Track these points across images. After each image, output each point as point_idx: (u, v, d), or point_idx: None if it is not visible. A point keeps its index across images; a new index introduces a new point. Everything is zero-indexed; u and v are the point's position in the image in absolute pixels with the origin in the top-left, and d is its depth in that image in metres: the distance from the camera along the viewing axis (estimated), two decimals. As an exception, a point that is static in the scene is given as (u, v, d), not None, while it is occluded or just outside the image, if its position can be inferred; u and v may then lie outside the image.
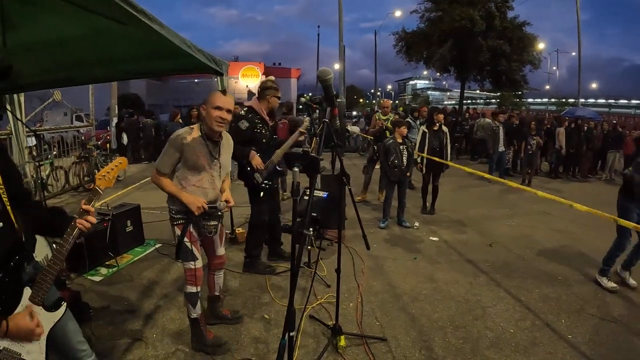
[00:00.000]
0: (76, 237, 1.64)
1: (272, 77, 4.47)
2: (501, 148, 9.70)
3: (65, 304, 1.72)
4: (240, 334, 3.14)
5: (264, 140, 3.98)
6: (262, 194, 4.03)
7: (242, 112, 4.02)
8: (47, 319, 1.61)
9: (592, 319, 3.47)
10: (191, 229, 2.73)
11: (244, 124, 3.88)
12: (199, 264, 2.77)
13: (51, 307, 1.65)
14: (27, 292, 1.55)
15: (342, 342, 2.93)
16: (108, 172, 1.82)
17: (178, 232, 2.73)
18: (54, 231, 1.76)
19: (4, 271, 1.50)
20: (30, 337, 1.52)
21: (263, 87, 4.11)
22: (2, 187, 1.54)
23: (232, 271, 4.26)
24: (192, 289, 2.78)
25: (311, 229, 1.69)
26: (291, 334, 1.79)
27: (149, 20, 2.89)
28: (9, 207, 1.54)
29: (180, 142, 2.65)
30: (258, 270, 4.24)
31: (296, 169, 1.86)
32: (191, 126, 2.78)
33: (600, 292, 3.97)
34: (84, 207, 1.65)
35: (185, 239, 2.69)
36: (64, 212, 1.80)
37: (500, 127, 9.71)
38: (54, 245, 2.69)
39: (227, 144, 2.90)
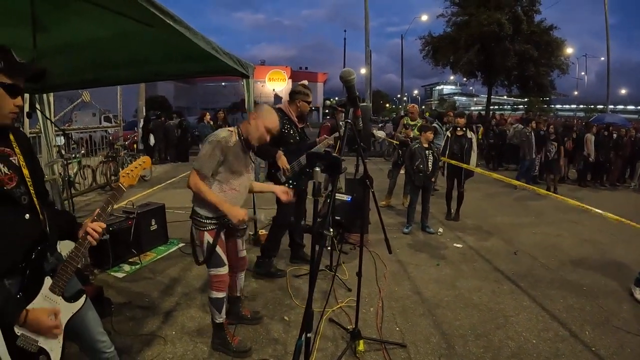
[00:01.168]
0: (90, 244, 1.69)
1: (305, 82, 4.54)
2: (533, 155, 9.52)
3: (85, 295, 1.76)
4: (259, 334, 3.14)
5: (291, 142, 4.02)
6: None
7: None
8: (65, 309, 1.64)
9: (618, 331, 3.33)
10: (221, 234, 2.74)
11: None
12: (227, 269, 2.78)
13: (70, 298, 1.68)
14: (48, 281, 1.59)
15: (361, 346, 2.89)
16: (132, 170, 1.84)
17: (209, 238, 2.70)
18: (62, 234, 1.81)
19: (27, 260, 1.54)
20: (45, 334, 1.55)
21: (294, 91, 4.19)
22: (29, 180, 1.59)
23: (256, 273, 4.26)
24: (218, 294, 2.79)
25: (331, 230, 1.66)
26: (308, 335, 1.76)
27: (175, 22, 2.94)
28: (35, 199, 1.59)
29: (226, 145, 2.64)
30: (268, 272, 4.22)
31: (317, 169, 1.85)
32: (229, 129, 2.79)
33: (627, 305, 3.80)
34: (94, 223, 1.69)
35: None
36: (73, 218, 1.90)
37: (532, 134, 9.53)
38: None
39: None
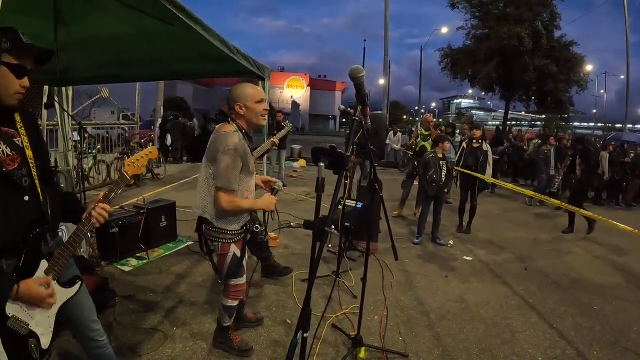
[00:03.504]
0: (93, 225, 1.69)
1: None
2: (552, 171, 9.36)
3: (81, 282, 1.76)
4: (260, 336, 3.11)
5: None
6: None
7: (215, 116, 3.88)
8: (59, 294, 1.64)
9: (627, 352, 3.22)
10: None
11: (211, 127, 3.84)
12: (245, 278, 2.74)
13: (65, 284, 1.69)
14: (44, 264, 1.59)
15: (362, 354, 2.84)
16: (137, 160, 1.82)
17: (236, 249, 2.58)
18: (65, 216, 1.81)
19: (24, 242, 1.54)
20: (40, 304, 1.55)
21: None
22: (32, 161, 1.59)
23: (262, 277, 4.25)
24: (234, 303, 2.75)
25: (333, 228, 1.61)
26: (305, 335, 1.74)
27: (193, 21, 2.97)
28: (37, 181, 1.59)
29: (243, 151, 2.44)
30: (276, 273, 4.16)
31: (322, 164, 1.82)
32: (231, 131, 2.47)
33: (638, 326, 3.68)
34: (100, 204, 1.69)
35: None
36: (78, 200, 1.89)
37: (552, 150, 9.38)
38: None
39: None
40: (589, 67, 22.21)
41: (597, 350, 3.22)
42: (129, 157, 6.92)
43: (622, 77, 27.24)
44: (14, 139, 1.57)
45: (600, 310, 3.97)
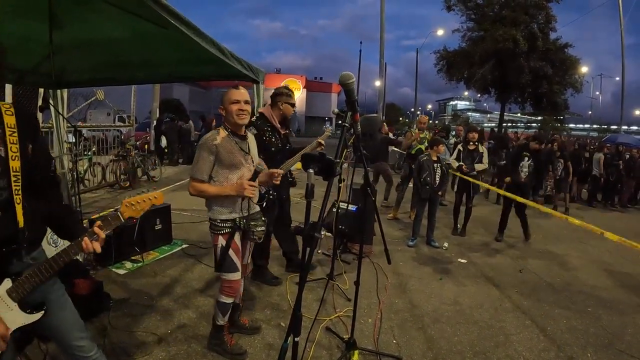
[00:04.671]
0: (76, 254, 1.57)
1: (288, 84, 4.45)
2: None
3: (44, 311, 1.59)
4: (254, 339, 3.12)
5: (273, 149, 3.75)
6: (264, 203, 3.77)
7: (253, 119, 3.83)
8: (17, 317, 1.52)
9: (621, 355, 3.25)
10: (235, 238, 2.70)
11: (252, 131, 3.82)
12: (239, 275, 2.76)
13: (27, 308, 1.54)
14: (7, 283, 1.49)
15: (356, 356, 2.85)
16: (138, 203, 1.66)
17: (223, 241, 2.67)
18: (60, 231, 1.72)
19: None
20: None
21: (275, 93, 3.88)
22: (17, 173, 1.48)
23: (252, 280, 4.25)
24: (227, 299, 2.77)
25: (322, 232, 1.62)
26: (296, 339, 1.75)
27: (184, 26, 2.98)
28: (16, 197, 1.48)
29: (212, 144, 2.60)
30: (265, 280, 4.15)
31: (311, 171, 1.83)
32: (215, 129, 2.74)
33: (632, 328, 3.72)
34: (96, 230, 1.57)
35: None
36: (78, 218, 1.75)
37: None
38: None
39: (252, 140, 2.89)
40: (584, 69, 22.33)
41: (590, 353, 3.24)
42: (124, 159, 6.89)
43: (618, 78, 27.46)
44: None
45: (594, 313, 4.00)
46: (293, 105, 3.91)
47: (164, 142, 13.96)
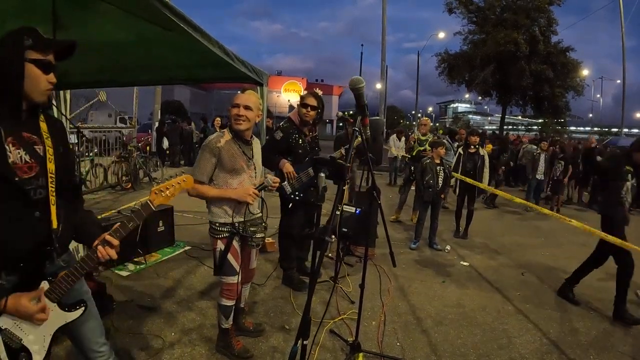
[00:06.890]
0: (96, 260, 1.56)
1: (289, 86, 4.49)
2: (539, 176, 9.36)
3: (85, 307, 1.63)
4: (259, 341, 3.11)
5: (300, 152, 3.86)
6: (290, 205, 3.92)
7: (282, 123, 4.01)
8: (58, 316, 1.55)
9: (623, 357, 3.25)
10: (234, 243, 2.70)
11: (278, 134, 3.86)
12: (237, 278, 2.75)
13: (66, 307, 1.57)
14: (45, 285, 1.50)
15: (360, 359, 2.85)
16: (167, 189, 1.63)
17: (221, 245, 2.67)
18: (79, 236, 1.72)
19: (25, 261, 1.47)
20: (29, 319, 1.45)
21: (300, 98, 4.04)
22: (52, 174, 1.50)
23: (255, 284, 4.23)
24: (228, 302, 2.77)
25: (333, 237, 1.63)
26: (305, 342, 1.75)
27: (192, 28, 2.98)
28: (52, 197, 1.50)
29: (215, 146, 2.60)
30: (292, 284, 4.14)
31: (322, 175, 1.84)
32: (221, 131, 2.75)
33: (635, 330, 3.71)
34: (108, 238, 1.54)
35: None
36: (99, 224, 1.75)
37: (542, 154, 9.42)
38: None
39: (257, 147, 2.87)
40: (585, 72, 22.38)
41: (593, 355, 3.24)
42: (126, 161, 6.88)
43: (619, 81, 27.46)
44: (35, 146, 1.48)
45: (597, 315, 4.00)
46: (306, 106, 3.89)
47: (165, 143, 13.99)
